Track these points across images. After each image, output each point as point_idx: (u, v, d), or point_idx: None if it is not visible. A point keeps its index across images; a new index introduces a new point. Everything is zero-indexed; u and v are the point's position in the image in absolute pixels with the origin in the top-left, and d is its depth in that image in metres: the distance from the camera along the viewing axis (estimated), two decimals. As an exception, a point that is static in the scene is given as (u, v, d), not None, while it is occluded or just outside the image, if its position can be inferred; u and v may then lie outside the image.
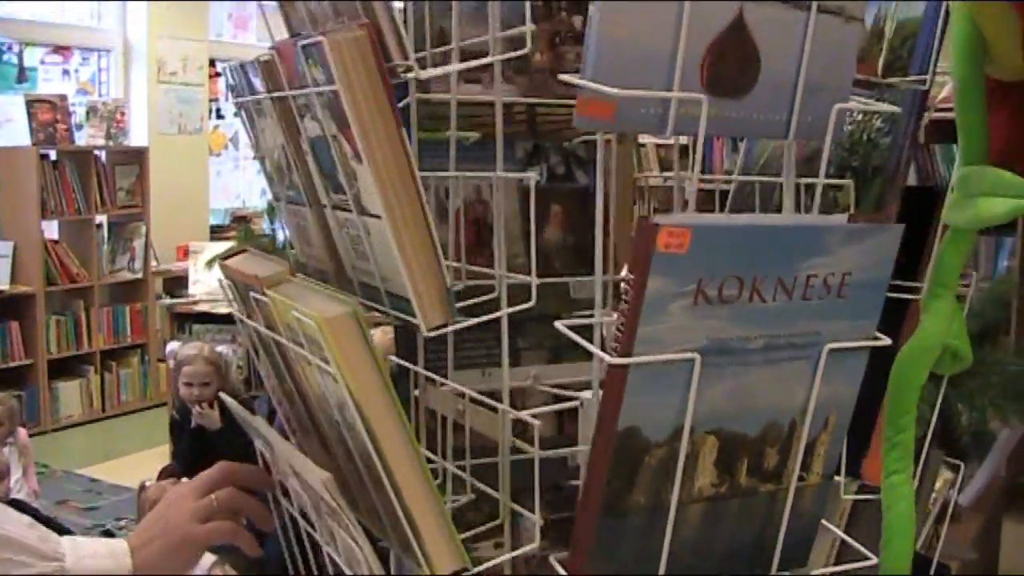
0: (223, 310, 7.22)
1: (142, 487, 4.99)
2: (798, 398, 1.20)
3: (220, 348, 6.14)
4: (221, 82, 10.48)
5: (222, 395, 2.47)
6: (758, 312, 1.11)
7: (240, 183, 10.82)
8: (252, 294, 1.25)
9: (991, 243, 7.94)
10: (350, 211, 1.17)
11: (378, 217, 1.12)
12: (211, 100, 10.21)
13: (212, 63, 10.13)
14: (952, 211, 1.82)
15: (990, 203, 1.82)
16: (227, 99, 10.31)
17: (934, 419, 1.78)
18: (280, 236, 8.21)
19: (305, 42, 1.08)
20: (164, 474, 5.76)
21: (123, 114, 8.85)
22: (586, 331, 1.16)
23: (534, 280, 1.28)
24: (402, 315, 1.16)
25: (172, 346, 6.53)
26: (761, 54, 1.21)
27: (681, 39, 1.12)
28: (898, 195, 1.64)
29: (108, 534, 5.36)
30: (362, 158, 1.08)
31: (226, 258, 1.48)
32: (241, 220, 9.70)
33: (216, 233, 9.64)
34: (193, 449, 5.44)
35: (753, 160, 1.83)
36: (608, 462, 1.08)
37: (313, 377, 1.18)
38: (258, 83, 1.28)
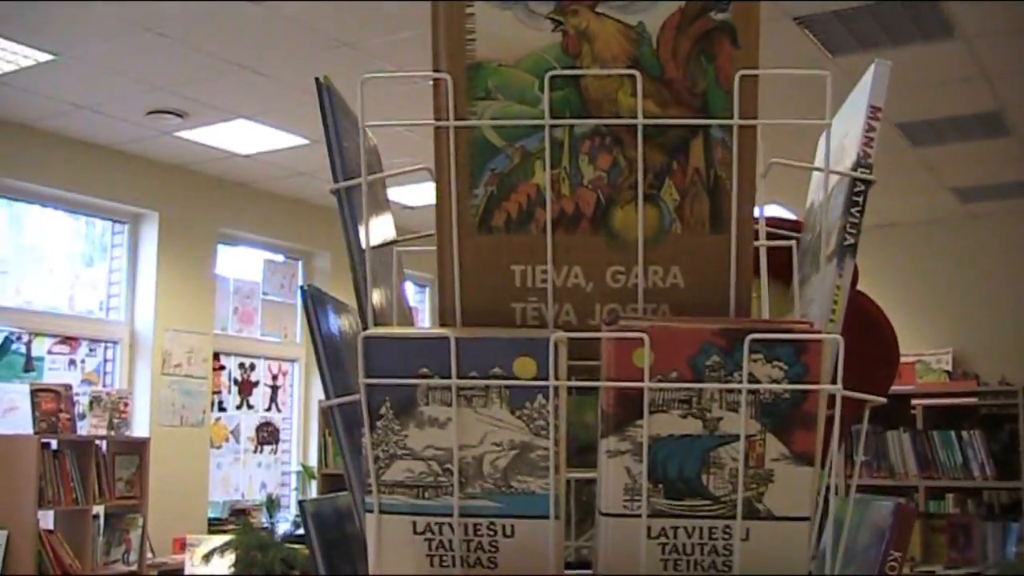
0: (217, 605, 7.10)
1: None
2: None
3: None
4: (224, 375, 10.57)
5: None
6: None
7: (240, 476, 10.77)
8: None
9: (997, 529, 7.97)
10: (701, 517, 1.18)
11: (787, 519, 1.15)
12: (214, 393, 10.27)
13: (216, 356, 10.26)
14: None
15: None
16: (230, 391, 10.39)
17: None
18: (281, 529, 8.18)
19: (771, 336, 1.12)
20: None
21: (126, 405, 8.88)
22: None
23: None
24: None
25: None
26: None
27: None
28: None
29: None
30: (812, 460, 1.11)
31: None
32: (240, 513, 9.62)
33: (214, 526, 9.53)
34: None
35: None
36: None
37: None
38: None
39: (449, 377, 1.22)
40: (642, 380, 1.15)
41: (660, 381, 1.14)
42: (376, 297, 1.37)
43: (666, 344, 1.13)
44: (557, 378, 1.19)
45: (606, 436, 1.18)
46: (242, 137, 8.97)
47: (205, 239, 10.10)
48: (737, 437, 1.14)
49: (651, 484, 1.18)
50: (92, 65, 7.43)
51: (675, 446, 1.15)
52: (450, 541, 1.28)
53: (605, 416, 1.18)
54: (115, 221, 9.74)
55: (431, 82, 1.29)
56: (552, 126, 1.25)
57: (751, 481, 1.15)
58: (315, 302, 1.37)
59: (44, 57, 7.26)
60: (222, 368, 10.55)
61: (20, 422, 8.49)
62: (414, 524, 1.29)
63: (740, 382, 1.12)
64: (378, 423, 1.28)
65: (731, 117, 1.23)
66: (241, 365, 10.81)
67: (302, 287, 1.37)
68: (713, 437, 1.15)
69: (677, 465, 1.16)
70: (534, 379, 1.20)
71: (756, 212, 1.32)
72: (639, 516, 1.19)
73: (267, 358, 11.07)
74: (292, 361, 11.25)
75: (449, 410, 1.24)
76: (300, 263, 11.37)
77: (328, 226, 10.33)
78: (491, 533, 1.27)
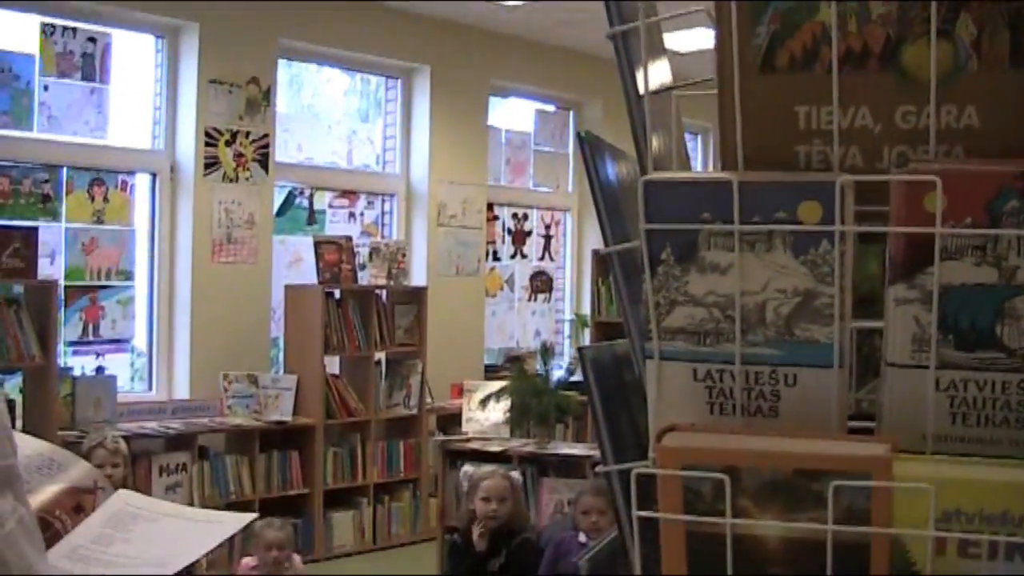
0: (495, 448, 7.30)
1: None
2: None
3: (514, 474, 6.25)
4: (498, 225, 10.75)
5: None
6: None
7: (514, 324, 11.03)
8: (838, 483, 1.10)
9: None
10: (993, 370, 1.13)
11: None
12: (488, 243, 10.48)
13: (490, 207, 10.44)
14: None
15: None
16: (504, 241, 10.57)
17: None
18: (554, 376, 8.32)
19: None
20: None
21: (404, 255, 9.15)
22: None
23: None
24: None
25: (466, 468, 6.66)
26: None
27: None
28: None
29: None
30: None
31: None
32: (514, 360, 9.84)
33: (490, 372, 9.79)
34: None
35: None
36: None
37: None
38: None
39: (731, 222, 1.20)
40: (933, 226, 1.10)
41: (953, 227, 1.09)
42: (655, 143, 1.34)
43: (960, 188, 1.08)
44: (844, 223, 1.15)
45: (894, 283, 1.14)
46: (509, -13, 8.97)
47: (476, 91, 10.20)
48: (1035, 287, 1.08)
49: (941, 334, 1.13)
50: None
51: (968, 295, 1.11)
52: (731, 389, 1.27)
53: (893, 263, 1.14)
54: (388, 77, 9.92)
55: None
56: (837, -42, 1.20)
57: None
58: (593, 149, 1.35)
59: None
60: (496, 218, 10.72)
61: (305, 273, 8.88)
62: (695, 371, 1.28)
63: (1041, 228, 1.06)
64: (659, 269, 1.26)
65: (1034, -64, 1.15)
66: (514, 215, 10.96)
67: (579, 134, 1.35)
68: (1010, 287, 1.10)
69: (969, 315, 1.11)
70: (819, 224, 1.16)
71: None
72: (927, 368, 1.15)
73: (540, 208, 11.19)
74: (564, 211, 11.34)
75: (731, 256, 1.21)
76: (572, 113, 11.37)
77: (599, 74, 10.28)
78: (772, 382, 1.25)
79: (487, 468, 6.09)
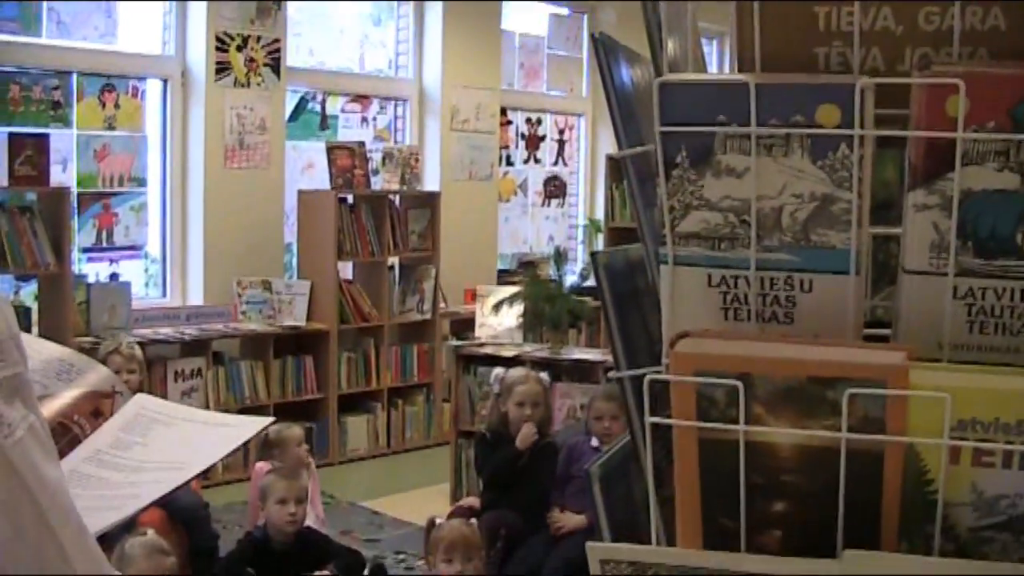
0: (508, 353, 7.33)
1: (431, 523, 5.06)
2: None
3: (543, 375, 6.29)
4: (511, 130, 10.69)
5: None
6: None
7: (528, 229, 11.00)
8: (852, 390, 1.08)
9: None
10: (1013, 278, 1.13)
11: None
12: (502, 148, 10.42)
13: (503, 111, 10.37)
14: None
15: None
16: (517, 146, 10.50)
17: None
18: (567, 282, 8.34)
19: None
20: (457, 512, 5.86)
21: (417, 160, 9.10)
22: None
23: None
24: None
25: (497, 371, 6.68)
26: None
27: None
28: None
29: (381, 569, 5.49)
30: None
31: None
32: (528, 265, 9.84)
33: (503, 277, 9.78)
34: (506, 469, 5.57)
35: None
36: None
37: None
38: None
39: (748, 125, 1.18)
40: (955, 130, 1.08)
41: (975, 131, 1.07)
42: (670, 46, 1.32)
43: (984, 91, 1.06)
44: (863, 127, 1.13)
45: (913, 189, 1.13)
46: None
47: (489, -6, 10.08)
48: (1058, 193, 1.07)
49: (960, 241, 1.12)
50: None
51: (989, 202, 1.09)
52: (745, 295, 1.26)
53: (913, 168, 1.12)
54: (401, -20, 9.82)
55: None
56: None
57: None
58: (608, 51, 1.33)
59: None
60: (509, 123, 10.65)
61: (318, 178, 8.85)
62: (709, 277, 1.27)
63: (1066, 133, 1.04)
64: (673, 173, 1.25)
65: None
66: (528, 120, 10.89)
67: (594, 35, 1.33)
68: None
69: (989, 222, 1.10)
70: (838, 127, 1.14)
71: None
72: (945, 275, 1.14)
73: (553, 112, 11.11)
74: (578, 115, 11.26)
75: (748, 159, 1.20)
76: (585, 16, 11.23)
77: (613, -23, 10.16)
78: (788, 288, 1.24)
79: (519, 371, 6.07)
